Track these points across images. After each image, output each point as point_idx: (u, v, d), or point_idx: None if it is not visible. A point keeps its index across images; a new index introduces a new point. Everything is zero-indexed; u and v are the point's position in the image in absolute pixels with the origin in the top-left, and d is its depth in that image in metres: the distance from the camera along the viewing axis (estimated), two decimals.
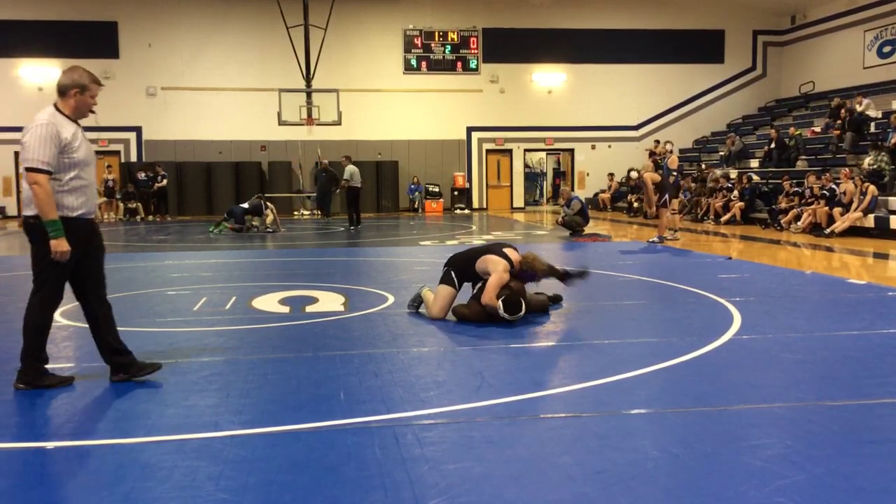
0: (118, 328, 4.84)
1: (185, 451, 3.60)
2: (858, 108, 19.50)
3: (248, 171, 25.67)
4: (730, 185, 19.73)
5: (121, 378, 4.71)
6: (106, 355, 4.75)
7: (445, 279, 6.73)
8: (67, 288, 4.73)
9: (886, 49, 23.30)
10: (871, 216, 15.08)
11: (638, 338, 6.02)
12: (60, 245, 4.40)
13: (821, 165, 18.76)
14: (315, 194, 23.61)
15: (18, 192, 25.65)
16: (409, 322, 6.64)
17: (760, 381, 4.74)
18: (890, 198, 15.53)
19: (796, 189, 17.53)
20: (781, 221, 16.91)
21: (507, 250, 6.67)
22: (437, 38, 26.72)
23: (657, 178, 14.50)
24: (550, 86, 27.51)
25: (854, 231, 15.08)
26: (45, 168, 4.38)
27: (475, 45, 26.91)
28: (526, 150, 28.33)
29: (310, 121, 22.90)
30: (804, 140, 21.00)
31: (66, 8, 24.97)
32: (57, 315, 6.98)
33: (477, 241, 14.71)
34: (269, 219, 17.88)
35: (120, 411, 4.29)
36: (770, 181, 19.59)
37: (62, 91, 4.57)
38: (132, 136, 25.41)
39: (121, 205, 23.80)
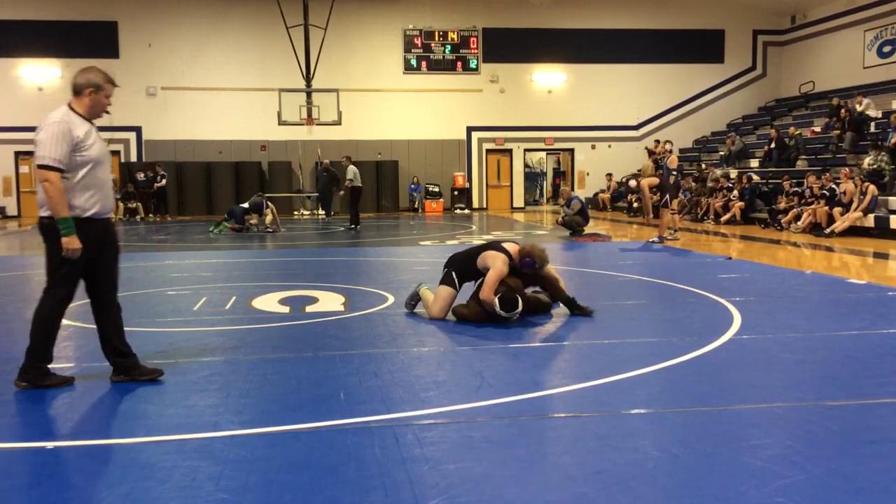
0: None
1: (185, 451, 3.60)
2: (858, 108, 19.50)
3: (248, 171, 25.67)
4: (730, 185, 19.73)
5: (121, 379, 4.71)
6: (109, 356, 4.75)
7: (446, 279, 6.72)
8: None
9: (886, 49, 23.30)
10: (871, 216, 15.08)
11: (638, 338, 6.01)
12: (71, 242, 4.39)
13: (821, 165, 18.76)
14: (317, 194, 23.66)
15: (18, 192, 25.67)
16: (409, 322, 6.64)
17: (760, 381, 4.74)
18: (890, 197, 15.53)
19: (796, 189, 17.53)
20: (781, 221, 16.91)
21: (506, 244, 6.65)
22: (437, 38, 26.72)
23: (655, 181, 14.52)
24: (550, 86, 27.51)
25: (854, 231, 15.08)
26: (57, 165, 4.37)
27: (475, 45, 26.91)
28: (526, 150, 28.33)
29: (310, 121, 22.90)
30: (804, 140, 21.00)
31: (66, 8, 24.97)
32: None
33: (477, 241, 14.71)
34: (269, 218, 17.88)
35: (120, 411, 4.29)
36: (770, 181, 19.59)
37: (77, 90, 4.58)
38: (132, 136, 25.40)
39: (120, 205, 23.81)
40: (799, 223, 16.30)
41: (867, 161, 16.75)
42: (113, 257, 4.75)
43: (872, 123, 19.00)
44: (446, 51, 26.83)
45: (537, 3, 26.47)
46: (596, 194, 26.68)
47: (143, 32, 25.30)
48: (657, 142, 24.91)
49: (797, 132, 21.49)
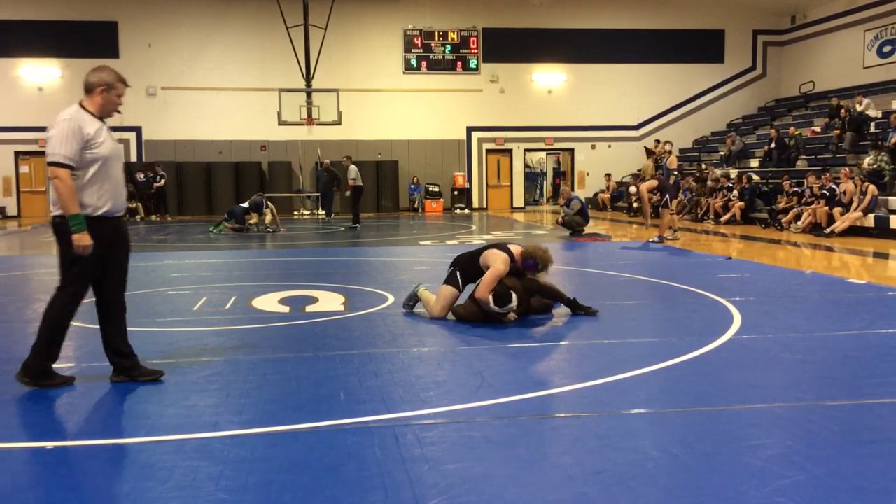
0: None
1: (185, 451, 3.60)
2: (858, 108, 19.51)
3: (248, 171, 25.67)
4: (730, 185, 19.73)
5: (121, 379, 4.71)
6: (111, 356, 4.74)
7: (450, 279, 6.72)
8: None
9: (886, 49, 23.29)
10: (871, 216, 15.08)
11: (638, 338, 6.01)
12: (82, 239, 4.38)
13: (821, 165, 18.76)
14: (318, 194, 23.66)
15: (18, 192, 25.66)
16: (409, 322, 6.64)
17: (760, 381, 4.74)
18: (890, 197, 15.53)
19: (796, 189, 17.53)
20: (782, 221, 16.91)
21: (511, 245, 6.65)
22: (437, 38, 26.72)
23: (654, 184, 14.53)
24: (550, 86, 27.50)
25: (854, 231, 15.08)
26: (67, 163, 4.37)
27: (475, 45, 26.91)
28: (526, 150, 28.33)
29: (310, 121, 22.90)
30: (804, 140, 21.00)
31: (66, 8, 24.96)
32: None
33: (477, 241, 14.72)
34: (268, 218, 17.87)
35: (120, 411, 4.29)
36: (770, 181, 19.59)
37: (88, 89, 4.59)
38: (132, 136, 25.39)
39: None
40: (799, 223, 16.30)
41: (867, 161, 16.75)
42: (123, 257, 4.74)
43: (872, 123, 19.00)
44: (446, 51, 26.83)
45: (537, 3, 26.47)
46: (596, 194, 26.67)
47: (143, 32, 25.29)
48: (657, 142, 24.92)
49: (797, 132, 21.49)
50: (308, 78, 23.05)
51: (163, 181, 23.56)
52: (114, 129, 4.83)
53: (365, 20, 26.21)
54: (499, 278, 6.34)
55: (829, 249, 12.93)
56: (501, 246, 6.63)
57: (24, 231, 19.46)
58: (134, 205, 23.39)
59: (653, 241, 13.77)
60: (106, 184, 4.52)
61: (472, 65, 26.95)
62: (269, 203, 18.16)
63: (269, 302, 7.72)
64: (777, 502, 2.95)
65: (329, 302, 7.68)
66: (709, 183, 20.65)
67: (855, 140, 18.65)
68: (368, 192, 23.96)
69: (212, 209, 25.05)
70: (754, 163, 22.22)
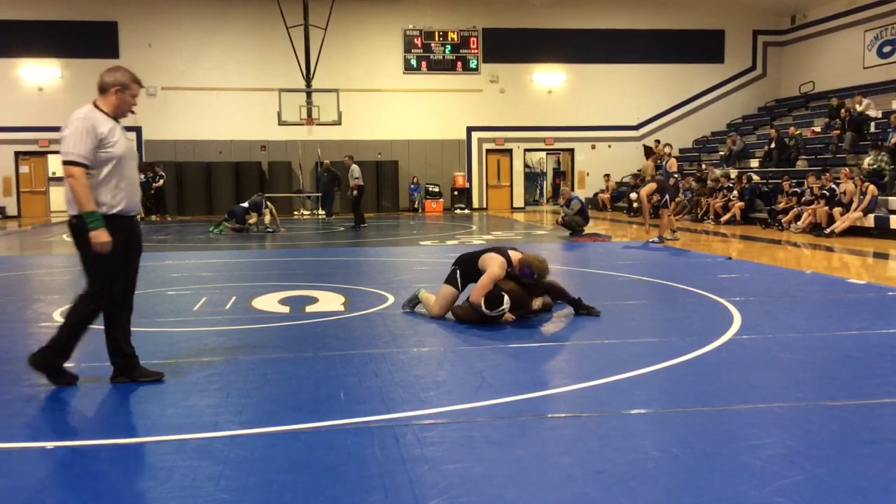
0: None
1: (185, 451, 3.60)
2: (858, 108, 19.50)
3: (248, 171, 25.67)
4: (730, 185, 19.73)
5: (122, 380, 4.70)
6: (112, 356, 4.73)
7: (450, 279, 6.73)
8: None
9: (886, 49, 23.29)
10: (871, 216, 15.08)
11: (638, 338, 6.01)
12: (100, 236, 4.37)
13: (821, 165, 18.76)
14: (318, 194, 23.67)
15: (18, 192, 25.66)
16: (409, 322, 6.64)
17: (760, 381, 4.74)
18: (890, 197, 15.53)
19: (795, 189, 17.53)
20: (782, 221, 16.92)
21: (510, 251, 6.64)
22: (437, 38, 26.72)
23: (654, 187, 14.53)
24: (550, 86, 27.51)
25: (854, 231, 15.08)
26: (81, 161, 4.37)
27: (475, 45, 26.91)
28: (526, 150, 28.33)
29: (310, 121, 22.90)
30: (804, 140, 21.00)
31: (66, 8, 24.97)
32: (56, 315, 7.02)
33: (477, 241, 14.72)
34: (267, 218, 17.86)
35: (120, 411, 4.29)
36: (770, 181, 19.59)
37: (103, 88, 4.58)
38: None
39: None
40: (799, 223, 16.30)
41: (867, 161, 16.75)
42: (135, 257, 4.74)
43: (872, 123, 18.99)
44: (446, 51, 26.83)
45: (537, 3, 26.47)
46: (596, 194, 26.67)
47: (143, 32, 25.30)
48: (657, 142, 24.91)
49: (797, 132, 21.49)
50: (308, 78, 23.05)
51: (161, 181, 23.55)
52: None
53: (365, 20, 26.21)
54: (494, 282, 6.34)
55: (829, 249, 12.93)
56: (501, 250, 6.63)
57: (24, 231, 19.46)
58: None
59: (653, 242, 13.78)
60: (121, 183, 4.52)
61: (472, 65, 26.95)
62: (268, 203, 18.15)
63: (269, 302, 7.72)
64: (777, 502, 2.95)
65: (329, 302, 7.68)
66: (709, 183, 20.65)
67: (855, 140, 18.65)
68: (368, 192, 23.97)
69: (212, 209, 25.05)
70: (754, 163, 22.22)
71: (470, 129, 27.36)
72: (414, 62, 26.65)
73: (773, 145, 21.18)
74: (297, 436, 3.76)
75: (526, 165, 29.12)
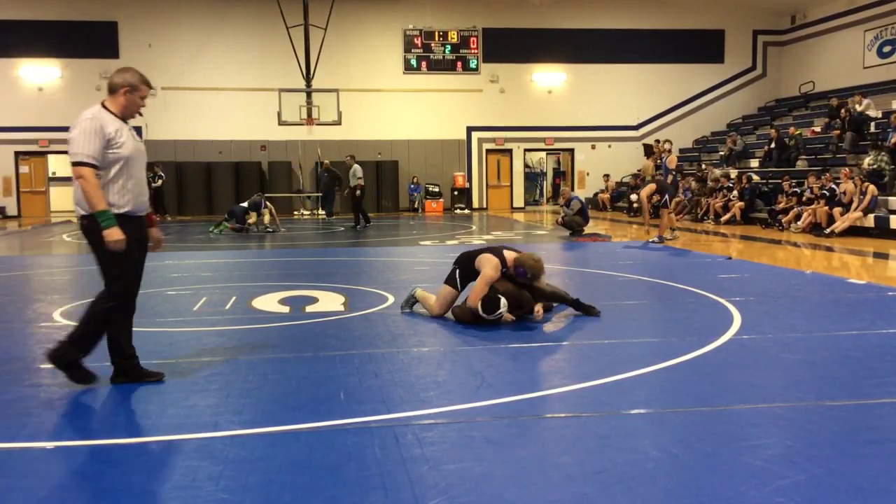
0: None
1: (185, 451, 3.60)
2: (858, 108, 19.50)
3: (248, 171, 25.67)
4: (730, 185, 19.73)
5: (121, 381, 4.70)
6: (113, 356, 4.73)
7: (450, 279, 6.72)
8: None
9: (886, 49, 23.30)
10: (871, 216, 15.08)
11: (638, 338, 6.01)
12: (113, 234, 4.37)
13: (821, 165, 18.76)
14: (318, 195, 23.67)
15: (18, 192, 25.67)
16: (409, 322, 6.64)
17: (760, 381, 4.74)
18: (890, 197, 15.53)
19: (795, 189, 17.53)
20: (782, 221, 16.92)
21: (506, 251, 6.60)
22: (437, 38, 26.72)
23: (653, 188, 14.53)
24: (550, 86, 27.51)
25: (854, 231, 15.08)
26: (90, 161, 4.36)
27: (475, 45, 26.91)
28: (526, 150, 28.33)
29: (310, 121, 22.90)
30: (804, 140, 21.01)
31: (66, 8, 24.97)
32: (56, 315, 7.02)
33: (477, 241, 14.72)
34: (267, 218, 17.85)
35: (120, 411, 4.29)
36: (770, 181, 19.59)
37: (112, 89, 4.58)
38: None
39: None
40: (799, 223, 16.30)
41: (867, 161, 16.75)
42: (142, 258, 4.74)
43: (872, 123, 18.99)
44: (446, 51, 26.83)
45: (537, 3, 26.47)
46: (596, 194, 26.67)
47: (143, 32, 25.30)
48: (657, 141, 24.91)
49: (797, 132, 21.49)
50: (308, 78, 23.05)
51: (160, 182, 23.54)
52: None
53: (365, 20, 26.22)
54: (489, 284, 6.30)
55: (829, 249, 12.93)
56: (496, 250, 6.59)
57: (24, 231, 19.46)
58: None
59: (653, 242, 13.78)
60: (128, 183, 4.51)
61: (472, 65, 26.95)
62: (267, 203, 18.15)
63: (269, 302, 7.72)
64: (777, 502, 2.95)
65: (329, 302, 7.68)
66: (709, 183, 20.65)
67: (855, 140, 18.65)
68: (368, 191, 23.98)
69: (212, 209, 25.05)
70: (754, 163, 22.22)
71: (470, 129, 27.36)
72: (414, 62, 26.66)
73: (773, 145, 21.18)
74: (297, 436, 3.76)
75: (526, 165, 29.12)
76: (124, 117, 4.60)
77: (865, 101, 19.70)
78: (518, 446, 3.60)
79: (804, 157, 20.21)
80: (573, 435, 3.76)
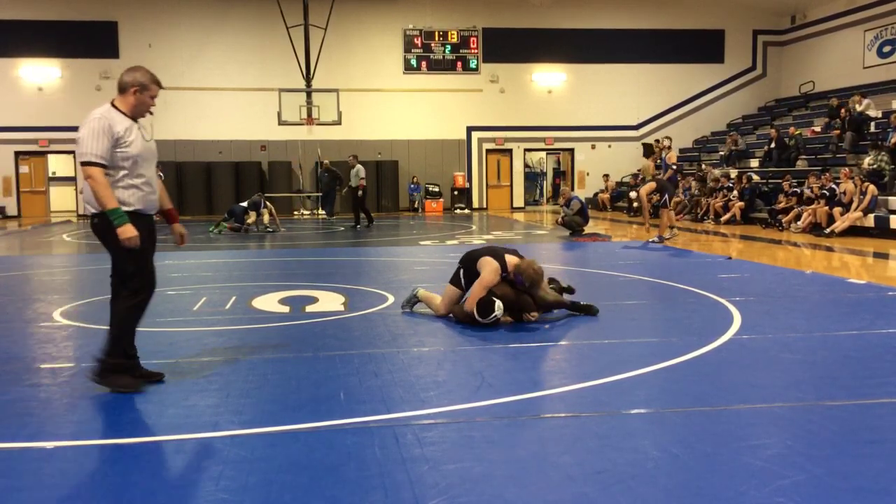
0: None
1: (185, 451, 3.60)
2: (858, 108, 19.50)
3: (248, 171, 25.67)
4: (730, 185, 19.74)
5: None
6: None
7: (454, 279, 6.71)
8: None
9: (886, 49, 23.30)
10: (871, 216, 15.08)
11: (638, 338, 6.01)
12: (126, 231, 4.36)
13: (821, 165, 18.77)
14: (318, 195, 23.67)
15: (18, 191, 25.67)
16: (409, 322, 6.64)
17: (760, 381, 4.74)
18: (890, 197, 15.53)
19: (795, 189, 17.53)
20: (782, 221, 16.92)
21: (508, 255, 6.53)
22: (437, 38, 26.72)
23: (653, 186, 14.53)
24: (550, 86, 27.51)
25: (854, 231, 15.08)
26: (99, 161, 4.36)
27: (475, 45, 26.91)
28: (526, 150, 28.34)
29: (310, 121, 22.91)
30: (804, 140, 21.01)
31: (66, 8, 24.97)
32: (56, 315, 7.02)
33: (477, 241, 14.72)
34: (266, 218, 17.85)
35: (120, 411, 4.29)
36: (770, 181, 19.59)
37: (122, 88, 4.58)
38: None
39: None
40: (799, 223, 16.30)
41: (867, 161, 16.75)
42: (151, 257, 4.73)
43: (872, 123, 18.99)
44: (446, 51, 26.83)
45: (537, 3, 26.47)
46: (596, 194, 26.68)
47: (143, 32, 25.29)
48: (657, 140, 24.90)
49: (797, 132, 21.49)
50: (308, 78, 23.05)
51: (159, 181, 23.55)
52: None
53: (365, 20, 26.22)
54: (486, 288, 6.28)
55: (829, 249, 12.93)
56: (497, 254, 6.52)
57: (24, 231, 19.46)
58: None
59: (653, 242, 13.78)
60: (137, 182, 4.50)
61: (472, 65, 26.95)
62: (267, 203, 18.15)
63: (269, 302, 7.72)
64: (777, 502, 2.95)
65: (329, 302, 7.68)
66: (709, 183, 20.65)
67: (855, 140, 18.65)
68: (369, 191, 24.00)
69: (212, 209, 25.05)
70: (754, 163, 22.22)
71: (470, 129, 27.37)
72: (414, 62, 26.66)
73: (773, 145, 21.18)
74: (297, 436, 3.76)
75: (526, 165, 29.13)
76: (134, 116, 4.59)
77: (865, 101, 19.70)
78: (518, 446, 3.60)
79: (804, 157, 20.21)
80: (573, 435, 3.76)
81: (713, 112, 28.05)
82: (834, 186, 16.05)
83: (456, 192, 27.05)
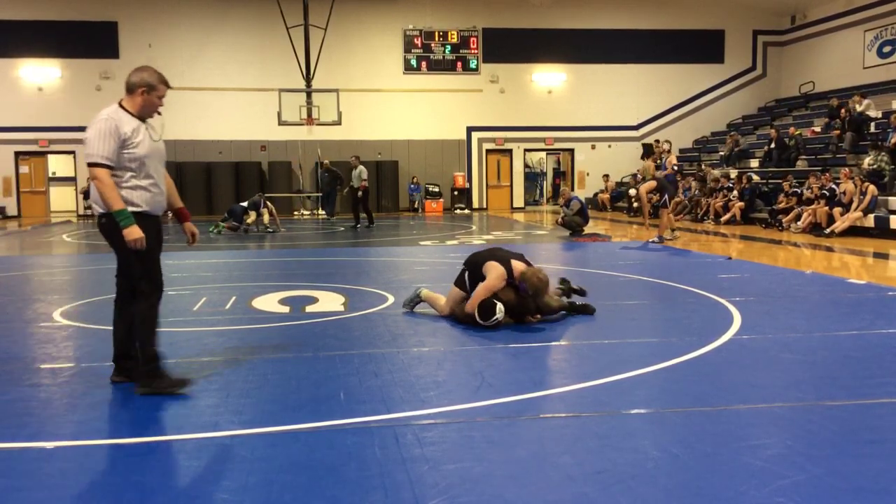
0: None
1: (185, 451, 3.60)
2: (858, 108, 19.50)
3: (248, 171, 25.67)
4: (730, 185, 19.74)
5: (122, 380, 4.70)
6: (116, 356, 4.71)
7: (459, 280, 6.69)
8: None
9: (886, 49, 23.30)
10: (871, 216, 15.09)
11: (638, 338, 6.01)
12: (132, 233, 4.35)
13: (821, 165, 18.77)
14: (318, 195, 23.67)
15: (18, 192, 25.67)
16: (409, 322, 6.64)
17: (760, 381, 4.74)
18: (890, 198, 15.53)
19: (795, 189, 17.54)
20: (782, 221, 16.92)
21: (514, 260, 6.47)
22: (437, 38, 26.73)
23: (653, 184, 14.52)
24: (550, 86, 27.51)
25: (854, 231, 15.08)
26: (105, 162, 4.35)
27: (475, 45, 26.92)
28: (526, 150, 28.34)
29: (310, 121, 22.91)
30: (804, 140, 21.01)
31: (66, 8, 24.97)
32: (56, 315, 7.02)
33: (477, 241, 14.72)
34: (266, 218, 17.84)
35: (120, 411, 4.29)
36: (770, 181, 19.59)
37: (130, 89, 4.57)
38: None
39: None
40: (799, 223, 16.31)
41: (867, 161, 16.75)
42: (158, 257, 4.73)
43: (872, 123, 19.00)
44: (446, 51, 26.83)
45: (537, 3, 26.48)
46: (596, 194, 26.68)
47: (143, 32, 25.29)
48: (657, 141, 24.91)
49: (797, 132, 21.50)
50: (308, 78, 23.05)
51: None
52: None
53: (365, 20, 26.22)
54: (490, 293, 6.26)
55: (829, 249, 12.93)
56: (505, 259, 6.47)
57: (24, 231, 19.46)
58: None
59: (652, 242, 13.78)
60: (144, 182, 4.49)
61: (472, 65, 26.95)
62: (267, 203, 18.14)
63: (269, 302, 7.72)
64: (777, 502, 2.95)
65: (329, 302, 7.67)
66: (709, 183, 20.65)
67: (855, 140, 18.66)
68: (369, 192, 24.01)
69: (212, 209, 25.05)
70: (754, 163, 22.22)
71: (470, 129, 27.37)
72: (414, 62, 26.66)
73: (773, 145, 21.19)
74: (297, 436, 3.76)
75: (526, 165, 29.13)
76: (142, 117, 4.58)
77: (865, 102, 19.70)
78: (518, 446, 3.60)
79: (804, 157, 20.21)
80: (573, 435, 3.76)
81: (713, 112, 28.05)
82: (834, 187, 16.05)
83: (456, 193, 27.05)
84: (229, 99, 25.65)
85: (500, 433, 3.78)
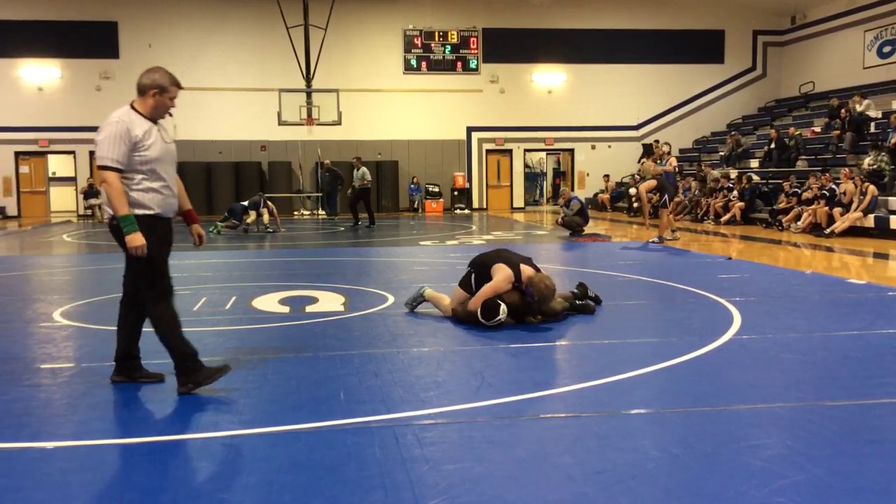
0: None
1: (185, 450, 3.60)
2: (858, 108, 19.50)
3: (248, 171, 25.67)
4: (730, 186, 19.74)
5: (122, 380, 4.70)
6: (118, 355, 4.71)
7: (464, 281, 6.67)
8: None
9: (886, 49, 23.30)
10: (871, 216, 15.08)
11: (638, 338, 6.01)
12: (135, 240, 4.35)
13: (821, 165, 18.77)
14: (319, 195, 23.67)
15: (18, 192, 25.68)
16: (409, 322, 6.64)
17: (760, 381, 4.74)
18: (890, 198, 15.53)
19: (795, 189, 17.54)
20: (782, 221, 16.92)
21: (523, 265, 6.44)
22: (437, 38, 26.72)
23: (653, 184, 14.52)
24: (550, 86, 27.51)
25: (854, 231, 15.08)
26: (115, 165, 4.35)
27: (475, 45, 26.92)
28: (526, 150, 28.34)
29: (310, 121, 22.90)
30: (804, 140, 21.01)
31: (66, 8, 24.97)
32: (56, 315, 7.02)
33: (477, 242, 14.72)
34: (266, 218, 17.84)
35: (120, 411, 4.29)
36: (770, 181, 19.59)
37: (141, 90, 4.55)
38: None
39: None
40: (799, 223, 16.31)
41: (867, 161, 16.75)
42: (167, 259, 4.73)
43: (872, 124, 19.00)
44: (446, 51, 26.83)
45: (537, 3, 26.47)
46: (596, 194, 26.67)
47: (143, 32, 25.30)
48: (657, 142, 24.91)
49: (797, 132, 21.49)
50: (308, 78, 23.05)
51: None
52: None
53: (365, 20, 26.22)
54: (496, 293, 6.26)
55: (829, 250, 12.93)
56: (512, 262, 6.45)
57: (24, 231, 19.46)
58: None
59: (652, 242, 13.77)
60: (155, 185, 4.48)
61: (472, 65, 26.95)
62: (268, 203, 18.13)
63: (269, 302, 7.72)
64: (777, 502, 2.95)
65: (329, 302, 7.68)
66: (709, 183, 20.65)
67: (855, 140, 18.65)
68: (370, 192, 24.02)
69: (212, 209, 25.04)
70: (754, 163, 22.22)
71: (470, 130, 27.37)
72: (414, 62, 26.66)
73: (773, 145, 21.19)
74: (297, 436, 3.76)
75: (526, 165, 29.13)
76: (153, 118, 4.57)
77: (865, 102, 19.70)
78: (518, 446, 3.60)
79: (804, 157, 20.21)
80: (573, 435, 3.76)
81: (713, 112, 28.05)
82: (834, 187, 16.05)
83: (456, 193, 27.05)
84: (229, 99, 25.64)
85: (500, 433, 3.78)
